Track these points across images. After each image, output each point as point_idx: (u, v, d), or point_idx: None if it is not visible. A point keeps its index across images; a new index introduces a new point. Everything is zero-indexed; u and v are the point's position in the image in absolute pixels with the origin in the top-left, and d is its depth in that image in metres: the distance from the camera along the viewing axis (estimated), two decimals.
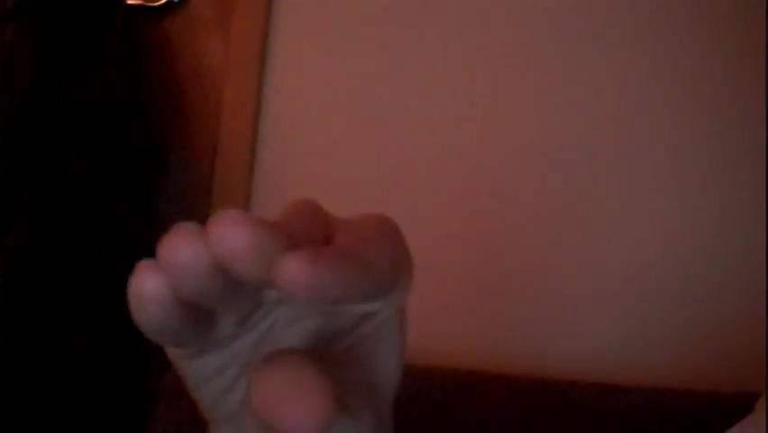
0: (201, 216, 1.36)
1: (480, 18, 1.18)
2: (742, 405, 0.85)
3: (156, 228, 1.34)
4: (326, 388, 0.30)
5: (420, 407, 0.90)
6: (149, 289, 0.30)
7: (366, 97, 1.24)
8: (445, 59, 1.20)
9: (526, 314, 1.12)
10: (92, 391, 1.32)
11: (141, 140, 1.38)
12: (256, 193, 1.29)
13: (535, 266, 1.12)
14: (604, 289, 1.08)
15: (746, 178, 1.01)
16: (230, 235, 0.28)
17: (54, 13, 1.35)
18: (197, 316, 0.32)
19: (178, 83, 1.39)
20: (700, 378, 0.97)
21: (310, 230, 0.31)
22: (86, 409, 1.32)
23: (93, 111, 1.35)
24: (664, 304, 1.04)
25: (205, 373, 0.36)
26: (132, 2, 1.40)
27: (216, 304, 0.32)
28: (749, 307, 0.97)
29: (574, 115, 1.12)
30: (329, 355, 0.36)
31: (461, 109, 1.18)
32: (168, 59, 1.40)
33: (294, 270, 0.28)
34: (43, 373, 1.32)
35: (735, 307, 1.00)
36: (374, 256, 0.31)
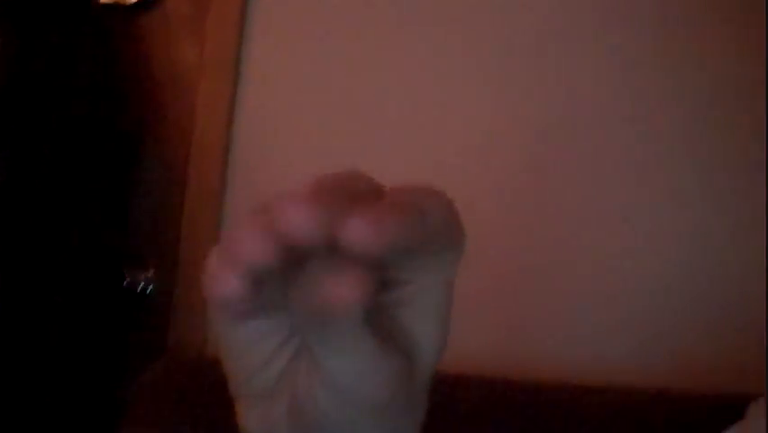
0: (175, 215, 1.33)
1: (465, 14, 1.18)
2: (724, 407, 0.85)
3: (130, 227, 1.34)
4: (367, 274, 0.31)
5: None
6: (224, 287, 0.32)
7: (340, 97, 1.24)
8: (427, 62, 1.20)
9: (516, 316, 1.12)
10: (67, 390, 1.31)
11: (115, 138, 1.37)
12: (230, 192, 1.28)
13: (529, 268, 1.12)
14: (597, 291, 1.08)
15: (747, 179, 1.02)
16: (293, 214, 0.30)
17: (27, 12, 1.34)
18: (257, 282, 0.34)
19: (152, 81, 1.38)
20: (702, 379, 0.98)
21: (363, 189, 0.34)
22: (61, 407, 1.31)
23: (66, 109, 1.34)
24: (665, 308, 1.05)
25: (249, 339, 0.37)
26: (105, 0, 1.39)
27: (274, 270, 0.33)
28: (749, 310, 0.97)
29: (572, 116, 1.13)
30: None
31: (445, 108, 1.18)
32: (142, 58, 1.39)
33: (361, 229, 0.30)
34: (18, 375, 1.31)
35: (734, 310, 1.00)
36: (428, 208, 0.33)
